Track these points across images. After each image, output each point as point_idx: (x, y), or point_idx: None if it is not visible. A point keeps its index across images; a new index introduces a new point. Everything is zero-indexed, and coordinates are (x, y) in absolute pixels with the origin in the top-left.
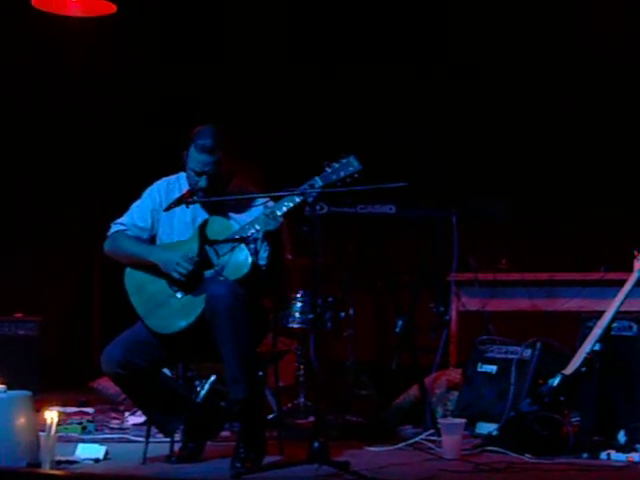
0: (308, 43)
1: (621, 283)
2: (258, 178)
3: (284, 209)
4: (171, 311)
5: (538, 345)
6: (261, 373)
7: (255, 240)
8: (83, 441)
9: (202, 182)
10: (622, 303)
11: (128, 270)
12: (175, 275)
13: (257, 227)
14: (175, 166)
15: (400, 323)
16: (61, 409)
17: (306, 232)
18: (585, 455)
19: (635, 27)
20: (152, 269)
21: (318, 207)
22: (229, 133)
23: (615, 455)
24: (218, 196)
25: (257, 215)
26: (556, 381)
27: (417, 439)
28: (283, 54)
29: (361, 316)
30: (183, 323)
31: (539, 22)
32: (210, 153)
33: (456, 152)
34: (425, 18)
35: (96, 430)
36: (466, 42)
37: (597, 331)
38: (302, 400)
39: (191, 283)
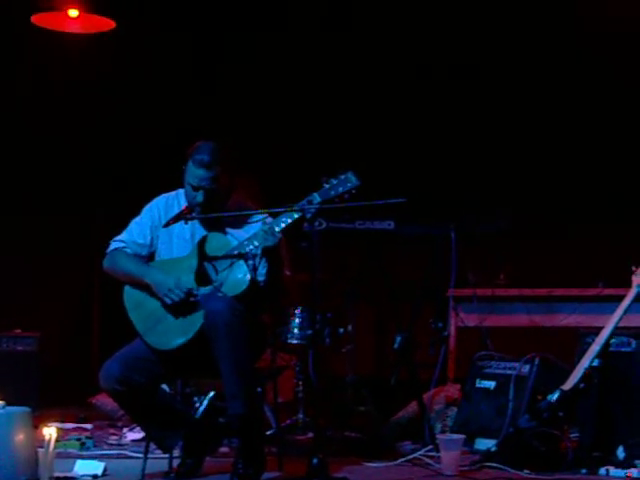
0: (307, 56)
1: (619, 299)
2: (256, 194)
3: (282, 225)
4: (169, 327)
5: (536, 361)
6: (260, 389)
7: (254, 256)
8: (82, 457)
9: (199, 197)
10: (621, 319)
11: (127, 287)
12: (166, 300)
13: (256, 243)
14: (174, 180)
15: (399, 339)
16: (60, 425)
17: (305, 248)
18: (584, 471)
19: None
20: (149, 288)
21: (317, 223)
22: (228, 149)
23: (614, 471)
24: (216, 212)
25: (256, 231)
26: (555, 397)
27: (416, 455)
28: (281, 68)
29: (360, 332)
30: (181, 339)
31: (540, 34)
32: (207, 168)
33: (455, 168)
34: (427, 34)
35: (95, 446)
36: (466, 55)
37: (595, 347)
38: (301, 416)
39: (182, 309)
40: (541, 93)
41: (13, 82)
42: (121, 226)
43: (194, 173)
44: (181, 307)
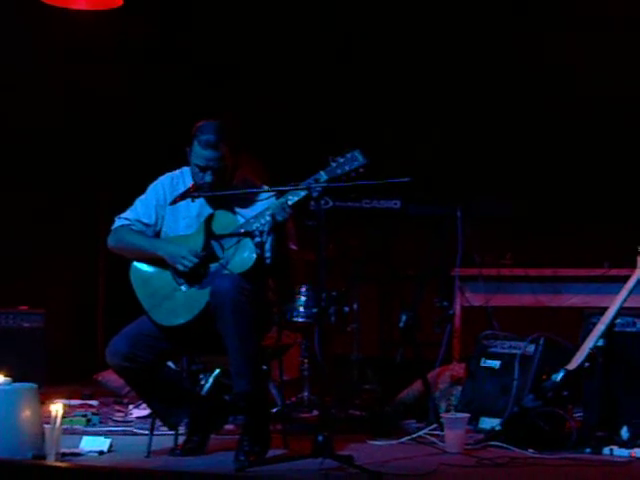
0: (311, 36)
1: (625, 279)
2: (259, 171)
3: (290, 202)
4: (176, 304)
5: (541, 340)
6: (265, 367)
7: (261, 233)
8: (87, 433)
9: (207, 177)
10: (626, 299)
11: (134, 264)
12: (180, 267)
13: (262, 221)
14: (178, 159)
15: (404, 318)
16: (66, 402)
17: (311, 226)
18: (588, 450)
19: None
20: (158, 262)
21: (323, 202)
22: (230, 126)
23: (618, 450)
24: (223, 190)
25: (263, 208)
26: (559, 376)
27: (420, 433)
28: (286, 45)
29: (365, 310)
30: (187, 317)
31: (546, 33)
32: (214, 148)
33: (462, 148)
34: (432, 15)
35: (100, 423)
36: (472, 41)
37: (600, 327)
38: (306, 394)
39: (196, 276)
40: (547, 78)
41: (20, 59)
42: (125, 204)
43: (201, 154)
44: (193, 277)
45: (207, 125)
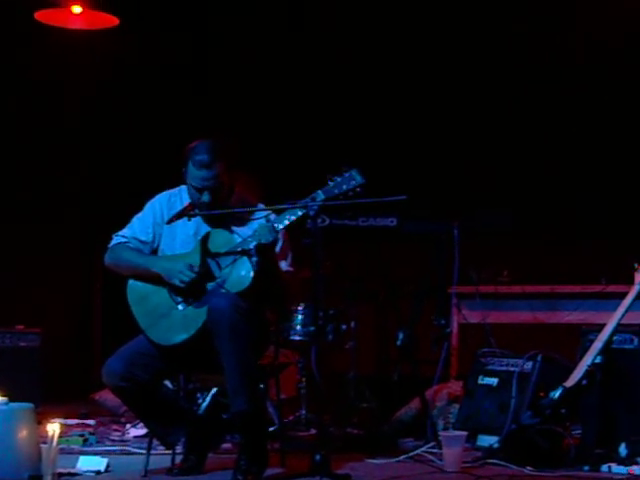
0: (308, 53)
1: (622, 296)
2: (256, 190)
3: (286, 222)
4: (172, 323)
5: (539, 358)
6: (262, 385)
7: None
8: (84, 453)
9: (205, 197)
10: (623, 316)
11: (131, 282)
12: (176, 282)
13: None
14: (175, 176)
15: (401, 336)
16: (62, 421)
17: (307, 245)
18: (586, 468)
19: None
20: (155, 281)
21: (319, 220)
22: (226, 144)
23: (616, 468)
24: (220, 209)
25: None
26: (557, 394)
27: (418, 451)
28: (283, 65)
29: (362, 328)
30: (184, 335)
31: (544, 35)
32: (208, 168)
33: (458, 165)
34: (429, 31)
35: (97, 442)
36: (469, 55)
37: (598, 344)
38: (303, 412)
39: (193, 293)
40: (543, 92)
41: (16, 79)
42: (122, 221)
43: (196, 175)
44: (190, 293)
45: (200, 145)
